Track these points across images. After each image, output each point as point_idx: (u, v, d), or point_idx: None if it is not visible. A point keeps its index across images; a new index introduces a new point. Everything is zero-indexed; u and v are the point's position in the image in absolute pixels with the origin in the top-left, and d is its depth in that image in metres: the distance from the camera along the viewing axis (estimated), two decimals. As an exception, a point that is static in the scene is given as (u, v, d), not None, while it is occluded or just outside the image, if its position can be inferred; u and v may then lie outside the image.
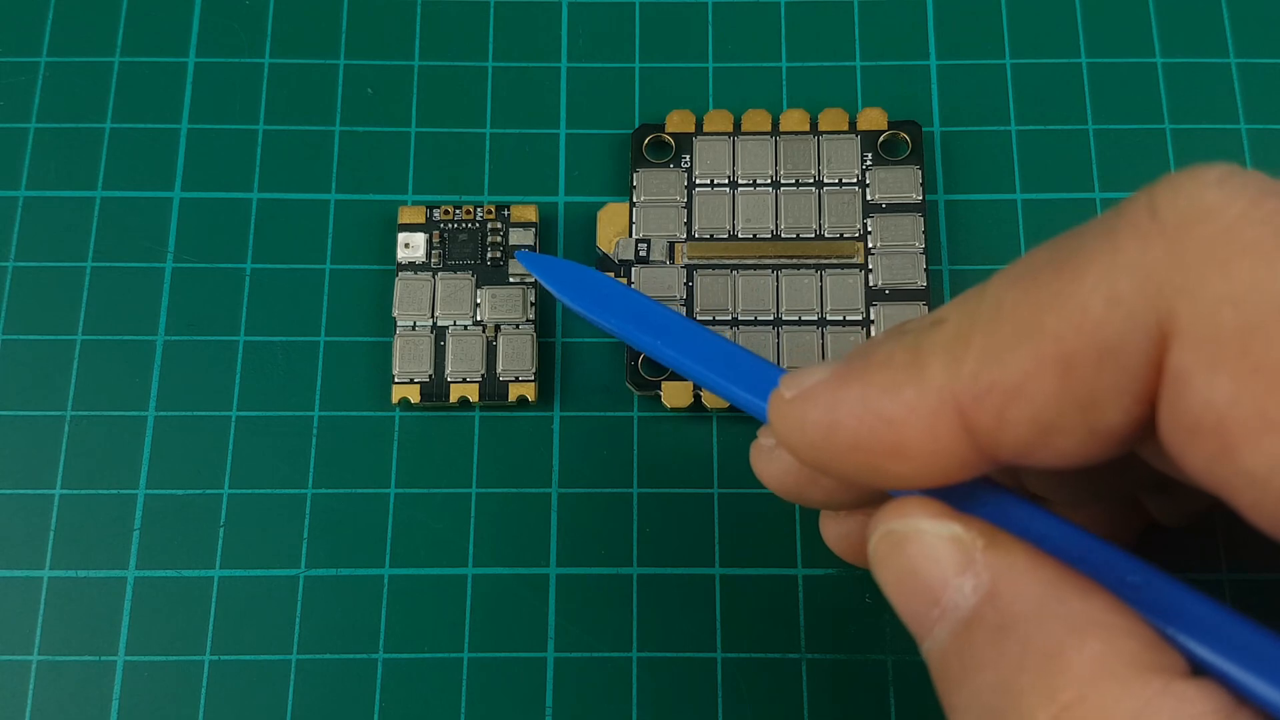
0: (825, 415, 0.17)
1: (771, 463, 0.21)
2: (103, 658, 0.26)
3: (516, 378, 0.27)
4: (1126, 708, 0.14)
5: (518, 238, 0.27)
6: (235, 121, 0.29)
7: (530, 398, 0.27)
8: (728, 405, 0.26)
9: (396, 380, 0.27)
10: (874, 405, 0.17)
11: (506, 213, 0.28)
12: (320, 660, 0.26)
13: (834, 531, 0.23)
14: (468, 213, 0.27)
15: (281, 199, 0.29)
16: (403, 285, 0.27)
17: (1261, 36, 0.30)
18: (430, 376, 0.27)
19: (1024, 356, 0.15)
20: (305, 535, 0.26)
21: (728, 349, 0.22)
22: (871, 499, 0.21)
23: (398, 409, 0.27)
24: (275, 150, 0.29)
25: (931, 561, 0.17)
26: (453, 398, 0.27)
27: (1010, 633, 0.15)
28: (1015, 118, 0.29)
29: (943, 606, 0.16)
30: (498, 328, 0.27)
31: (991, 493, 0.18)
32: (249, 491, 0.27)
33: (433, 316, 0.27)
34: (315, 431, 0.27)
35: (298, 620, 0.26)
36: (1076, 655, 0.15)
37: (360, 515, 0.26)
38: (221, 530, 0.26)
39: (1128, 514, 0.23)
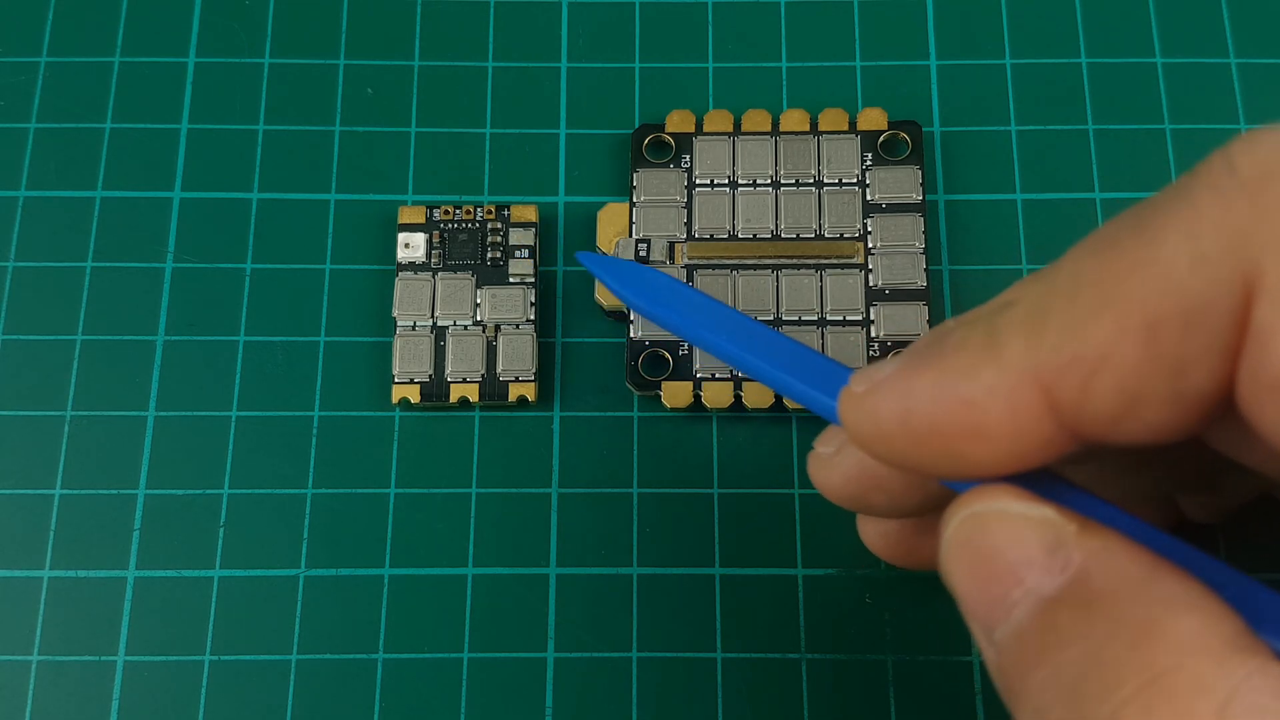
0: (900, 402, 0.17)
1: (832, 471, 0.21)
2: (103, 658, 0.26)
3: (516, 378, 0.27)
4: (1223, 683, 0.14)
5: (518, 238, 0.27)
6: (235, 121, 0.29)
7: (530, 398, 0.27)
8: (728, 405, 0.26)
9: (396, 380, 0.27)
10: (951, 388, 0.16)
11: (506, 213, 0.28)
12: (320, 660, 0.26)
13: (874, 530, 0.23)
14: (468, 213, 0.27)
15: (281, 199, 0.29)
16: (403, 285, 0.27)
17: (1261, 36, 0.29)
18: (430, 376, 0.27)
19: (1107, 324, 0.15)
20: (305, 535, 0.26)
21: (794, 348, 0.21)
22: (935, 505, 0.21)
23: (398, 409, 0.27)
24: (275, 150, 0.29)
25: (1018, 543, 0.16)
26: (453, 398, 0.27)
27: (1100, 608, 0.15)
28: (1015, 118, 0.29)
29: (1026, 587, 0.16)
30: (498, 328, 0.27)
31: (1068, 489, 0.17)
32: (249, 491, 0.27)
33: (433, 316, 0.27)
34: (315, 431, 0.27)
35: (298, 620, 0.26)
36: (1173, 628, 0.14)
37: (360, 515, 0.26)
38: (222, 530, 0.26)
39: (1161, 514, 0.23)
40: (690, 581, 0.26)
